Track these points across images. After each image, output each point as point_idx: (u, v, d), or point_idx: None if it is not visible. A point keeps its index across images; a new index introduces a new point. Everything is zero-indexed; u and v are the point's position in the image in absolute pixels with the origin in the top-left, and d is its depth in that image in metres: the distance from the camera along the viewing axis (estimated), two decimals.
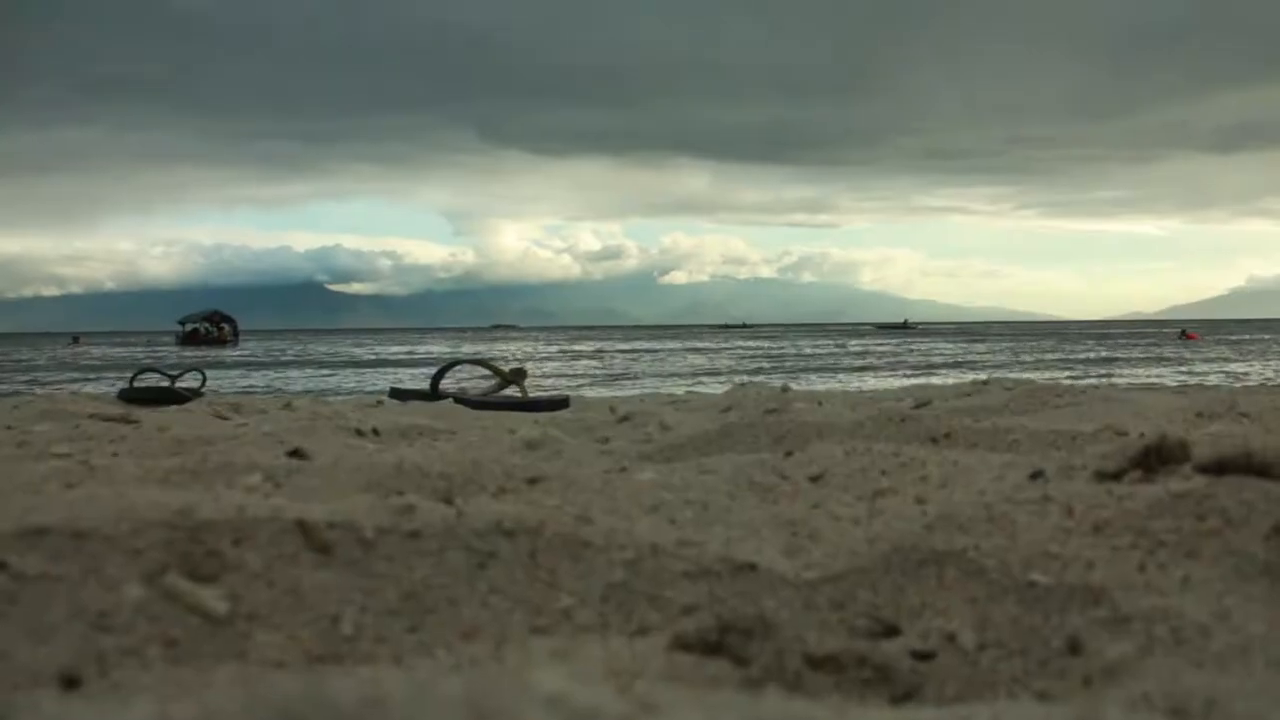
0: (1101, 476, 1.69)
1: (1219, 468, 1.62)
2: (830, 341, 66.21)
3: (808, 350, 49.93)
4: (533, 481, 1.79)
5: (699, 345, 61.05)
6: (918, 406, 4.43)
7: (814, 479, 1.93)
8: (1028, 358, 37.94)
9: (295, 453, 2.17)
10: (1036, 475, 1.77)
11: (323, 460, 2.10)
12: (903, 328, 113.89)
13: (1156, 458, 1.69)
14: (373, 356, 48.02)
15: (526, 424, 3.76)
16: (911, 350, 47.30)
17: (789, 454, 2.12)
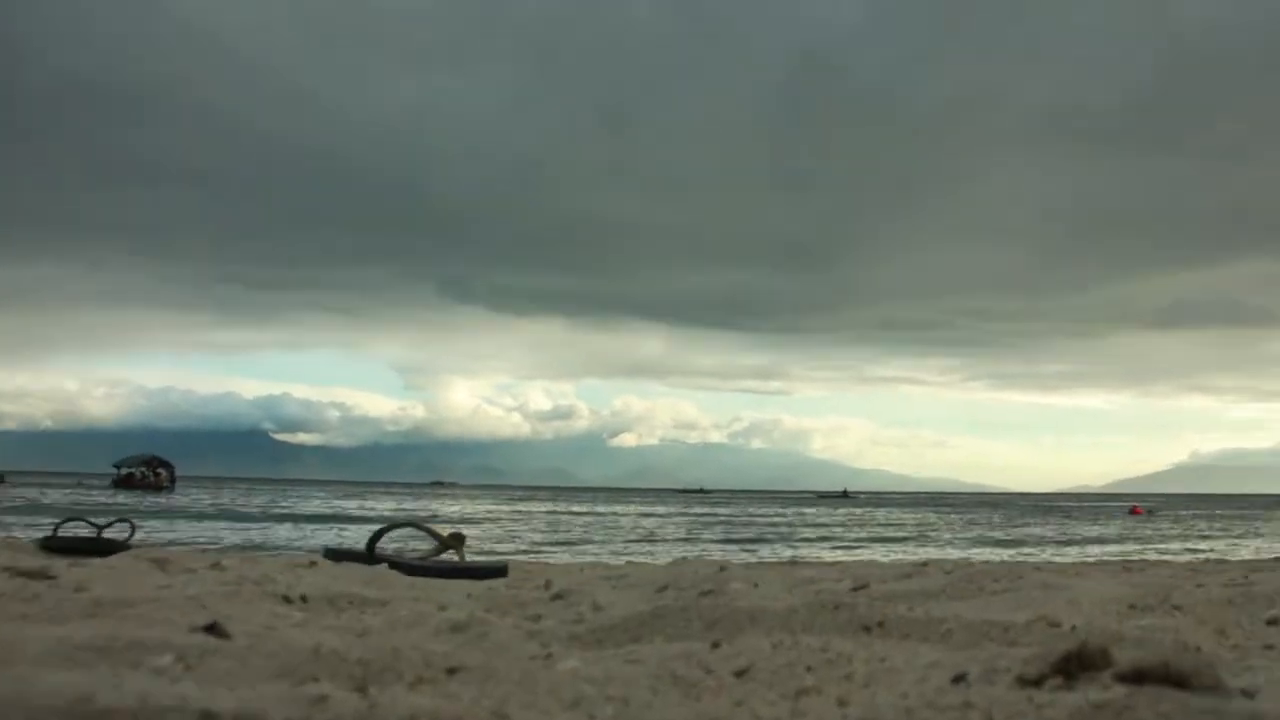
0: (1023, 682, 1.69)
1: (1138, 677, 1.63)
2: (778, 509, 66.00)
3: (756, 518, 49.71)
4: (452, 671, 1.75)
5: (650, 510, 60.49)
6: (855, 588, 4.42)
7: (739, 674, 1.91)
8: (973, 533, 38.03)
9: (212, 628, 2.11)
10: (959, 679, 1.76)
11: (240, 638, 2.04)
12: (842, 496, 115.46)
13: (1078, 664, 1.70)
14: (312, 511, 47.08)
15: (457, 600, 3.69)
16: (859, 521, 47.28)
17: (716, 645, 2.10)
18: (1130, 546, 28.19)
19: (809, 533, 36.12)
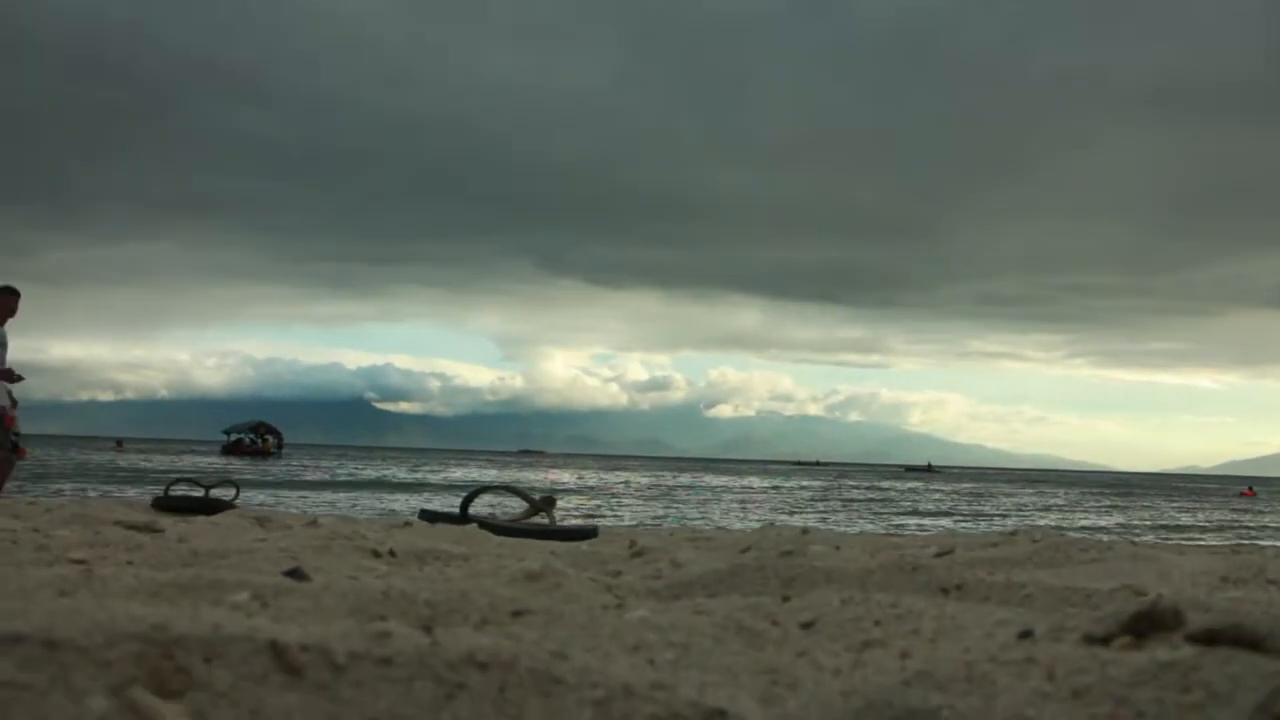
0: (1090, 640, 1.66)
1: (1210, 638, 1.59)
2: (874, 481, 65.37)
3: (854, 490, 49.29)
4: (517, 614, 1.79)
5: (742, 481, 60.33)
6: (939, 555, 4.36)
7: (805, 626, 1.91)
8: (1070, 508, 37.17)
9: (293, 572, 2.19)
10: (1025, 635, 1.74)
11: (319, 582, 2.11)
12: (927, 470, 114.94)
13: (1148, 623, 1.66)
14: (412, 478, 48.12)
15: (537, 554, 3.75)
16: (954, 495, 46.57)
17: (786, 599, 2.10)
18: (1241, 529, 27.26)
19: (903, 504, 35.75)
